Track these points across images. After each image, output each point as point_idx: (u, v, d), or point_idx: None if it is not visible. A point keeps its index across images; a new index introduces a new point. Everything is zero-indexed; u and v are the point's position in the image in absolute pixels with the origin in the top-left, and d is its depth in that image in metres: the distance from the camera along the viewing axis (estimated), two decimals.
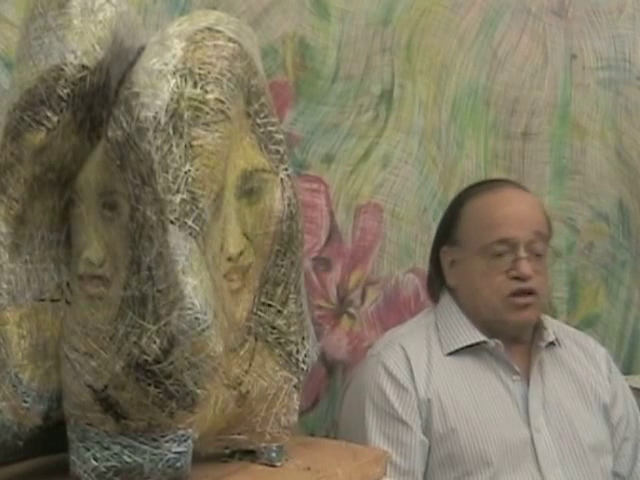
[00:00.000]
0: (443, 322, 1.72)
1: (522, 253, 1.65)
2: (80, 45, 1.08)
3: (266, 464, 1.23)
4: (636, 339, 2.46)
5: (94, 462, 1.08)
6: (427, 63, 2.08)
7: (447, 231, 1.75)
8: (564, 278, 2.33)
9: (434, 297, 1.79)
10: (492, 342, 1.68)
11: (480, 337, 1.68)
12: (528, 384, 1.69)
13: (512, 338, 1.70)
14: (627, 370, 2.36)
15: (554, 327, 1.78)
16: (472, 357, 1.69)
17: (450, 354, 1.68)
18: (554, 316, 2.16)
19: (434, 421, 1.64)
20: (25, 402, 1.09)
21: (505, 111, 2.23)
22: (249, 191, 1.17)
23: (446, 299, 1.74)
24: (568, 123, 2.34)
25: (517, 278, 1.65)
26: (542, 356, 1.72)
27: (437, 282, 1.78)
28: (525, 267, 1.65)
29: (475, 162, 2.18)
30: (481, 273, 1.68)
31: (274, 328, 1.20)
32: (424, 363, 1.67)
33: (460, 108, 2.15)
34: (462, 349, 1.68)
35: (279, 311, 1.20)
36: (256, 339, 1.19)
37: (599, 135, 2.39)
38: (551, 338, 1.73)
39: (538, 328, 1.73)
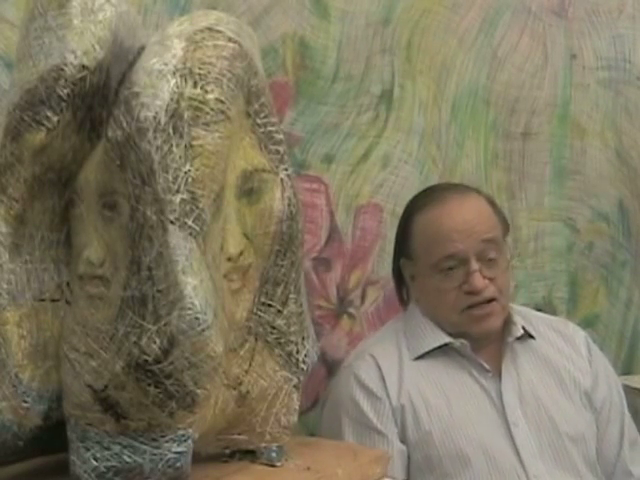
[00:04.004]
0: (410, 328, 1.71)
1: (473, 266, 1.64)
2: (80, 45, 1.08)
3: (266, 464, 1.23)
4: (636, 339, 2.46)
5: (94, 462, 1.09)
6: (427, 63, 2.08)
7: (402, 244, 1.74)
8: (564, 278, 2.33)
9: (403, 304, 1.79)
10: (457, 342, 1.67)
11: (445, 339, 1.68)
12: (501, 380, 1.68)
13: (481, 339, 1.69)
14: (627, 370, 2.36)
15: (530, 317, 1.77)
16: (442, 359, 1.68)
17: (419, 358, 1.68)
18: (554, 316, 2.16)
19: (408, 427, 1.63)
20: (25, 402, 1.09)
21: (505, 111, 2.22)
22: (249, 191, 1.17)
23: (413, 306, 1.75)
24: (568, 123, 2.33)
25: (471, 292, 1.65)
26: (515, 350, 1.71)
27: (403, 290, 1.78)
28: (477, 281, 1.63)
29: (475, 162, 2.18)
30: (435, 290, 1.67)
31: (274, 328, 1.20)
32: (395, 369, 1.67)
33: (460, 108, 2.15)
34: (431, 352, 1.68)
35: (279, 311, 1.20)
36: (256, 339, 1.19)
37: (599, 135, 2.38)
38: (519, 333, 1.71)
39: (507, 323, 1.71)
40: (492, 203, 1.74)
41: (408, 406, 1.64)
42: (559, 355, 1.76)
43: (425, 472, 1.63)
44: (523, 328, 1.72)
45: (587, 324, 2.33)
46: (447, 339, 1.68)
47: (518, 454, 1.64)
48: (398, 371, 1.67)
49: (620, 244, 2.43)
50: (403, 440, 1.64)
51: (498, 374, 1.69)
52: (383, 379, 1.65)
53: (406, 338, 1.71)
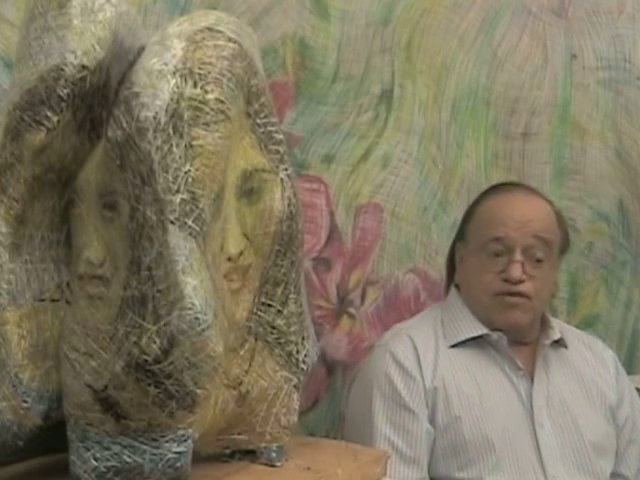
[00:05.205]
0: (448, 316, 1.73)
1: (517, 256, 1.65)
2: (80, 45, 1.08)
3: (266, 464, 1.23)
4: (636, 339, 2.46)
5: (94, 462, 1.09)
6: (427, 63, 2.08)
7: (462, 227, 1.78)
8: (564, 278, 2.33)
9: (447, 291, 1.81)
10: (495, 335, 1.69)
11: (483, 330, 1.69)
12: (532, 380, 1.70)
13: (517, 336, 1.71)
14: (627, 370, 2.35)
15: (562, 329, 1.79)
16: (477, 350, 1.70)
17: (454, 346, 1.70)
18: (554, 316, 2.17)
19: (439, 410, 1.65)
20: (25, 402, 1.09)
21: (505, 111, 2.23)
22: (249, 191, 1.17)
23: (453, 294, 1.77)
24: (568, 123, 2.34)
25: (507, 280, 1.66)
26: (548, 355, 1.73)
27: (451, 276, 1.80)
28: (516, 271, 1.65)
29: (475, 162, 2.18)
30: (475, 270, 1.70)
31: (274, 328, 1.20)
32: (431, 352, 1.69)
33: (460, 108, 2.15)
34: (466, 342, 1.70)
35: (279, 311, 1.20)
36: (256, 339, 1.19)
37: (599, 135, 2.39)
38: (557, 337, 1.74)
39: (544, 327, 1.74)
40: (558, 215, 1.76)
41: (441, 389, 1.66)
42: (588, 368, 1.78)
43: (449, 458, 1.65)
44: (560, 333, 1.75)
45: (587, 324, 2.33)
46: (484, 330, 1.69)
47: (539, 454, 1.66)
48: (434, 355, 1.68)
49: (620, 244, 2.43)
50: (431, 422, 1.65)
51: (529, 374, 1.71)
52: (419, 360, 1.67)
53: (443, 326, 1.73)
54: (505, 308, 1.67)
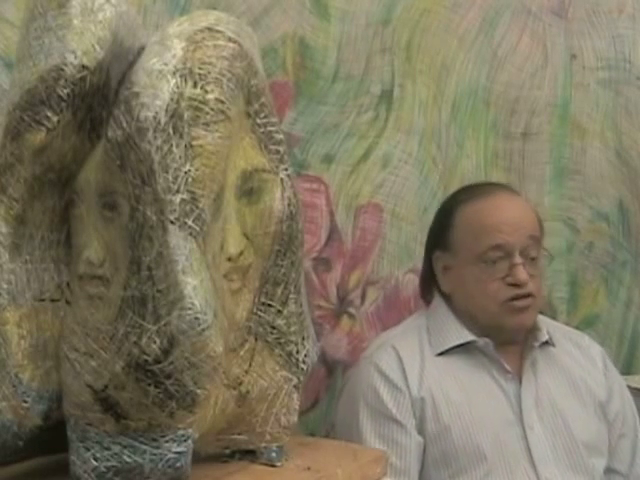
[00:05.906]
0: (433, 324, 1.73)
1: (517, 259, 1.66)
2: (80, 45, 1.08)
3: (266, 464, 1.23)
4: (636, 339, 2.46)
5: (94, 462, 1.09)
6: (427, 63, 2.08)
7: (439, 236, 1.75)
8: (564, 278, 2.33)
9: (426, 299, 1.80)
10: (481, 341, 1.69)
11: (469, 337, 1.69)
12: (520, 383, 1.69)
13: (506, 339, 1.70)
14: (627, 370, 2.36)
15: (549, 327, 1.78)
16: (464, 356, 1.70)
17: (441, 354, 1.69)
18: (554, 316, 2.17)
19: (427, 420, 1.64)
20: (25, 402, 1.09)
21: (505, 111, 2.23)
22: (249, 191, 1.17)
23: (437, 302, 1.76)
24: (568, 123, 2.34)
25: (514, 284, 1.66)
26: (535, 355, 1.72)
27: (429, 285, 1.78)
28: (522, 273, 1.65)
29: (475, 162, 2.18)
30: (476, 280, 1.68)
31: (274, 328, 1.20)
32: (417, 362, 1.68)
33: (460, 108, 2.15)
34: (453, 349, 1.69)
35: (279, 311, 1.20)
36: (256, 339, 1.19)
37: (599, 135, 2.39)
38: (545, 338, 1.73)
39: (532, 329, 1.73)
40: (533, 207, 1.77)
41: (428, 399, 1.65)
42: (576, 365, 1.77)
43: (440, 467, 1.64)
44: (548, 333, 1.75)
45: (587, 324, 2.33)
46: (470, 337, 1.69)
47: (531, 457, 1.65)
48: (420, 364, 1.68)
49: (620, 244, 2.43)
50: (420, 432, 1.65)
51: (518, 377, 1.70)
52: (404, 370, 1.67)
53: (429, 334, 1.72)
54: (515, 312, 1.67)
